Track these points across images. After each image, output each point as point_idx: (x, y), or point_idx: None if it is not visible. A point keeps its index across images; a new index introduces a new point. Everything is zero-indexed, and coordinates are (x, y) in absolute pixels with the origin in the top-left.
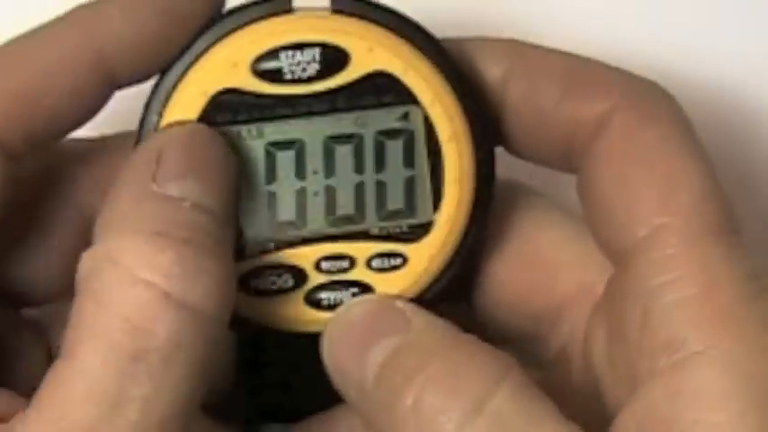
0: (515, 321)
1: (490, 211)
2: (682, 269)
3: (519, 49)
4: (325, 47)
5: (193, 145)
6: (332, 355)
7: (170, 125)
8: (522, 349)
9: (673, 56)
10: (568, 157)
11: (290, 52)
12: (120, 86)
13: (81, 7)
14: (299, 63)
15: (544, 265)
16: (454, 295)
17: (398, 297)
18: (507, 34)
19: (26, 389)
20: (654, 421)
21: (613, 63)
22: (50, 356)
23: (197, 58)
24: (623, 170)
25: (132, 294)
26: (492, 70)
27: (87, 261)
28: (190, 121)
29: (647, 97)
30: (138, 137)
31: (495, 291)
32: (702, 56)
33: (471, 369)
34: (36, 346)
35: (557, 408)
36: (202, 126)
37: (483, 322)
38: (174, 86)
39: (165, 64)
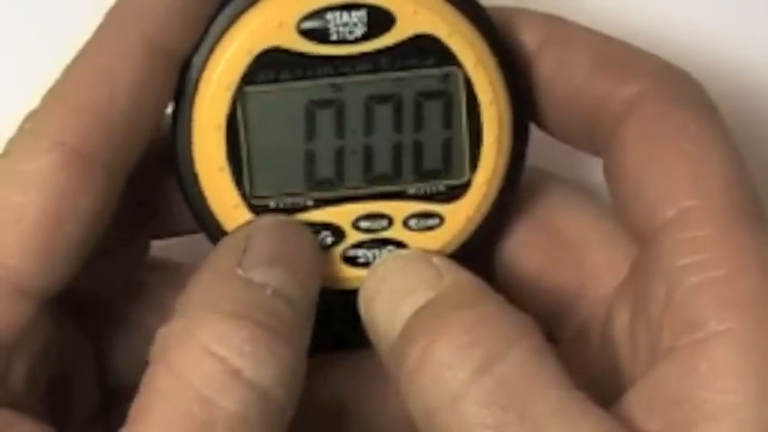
0: (536, 297)
1: (522, 175)
2: (709, 251)
3: (555, 22)
4: (371, 8)
5: (282, 236)
6: (367, 307)
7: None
8: (541, 325)
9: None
10: (594, 136)
11: (337, 13)
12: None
13: (112, 6)
14: (345, 24)
15: (569, 243)
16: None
17: (434, 252)
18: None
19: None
20: (664, 397)
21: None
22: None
23: (238, 16)
24: (653, 152)
25: (203, 366)
26: (527, 39)
27: (163, 333)
28: (278, 215)
29: (678, 82)
30: (175, 97)
31: (517, 266)
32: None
33: (488, 328)
34: (86, 345)
35: (569, 377)
36: (293, 220)
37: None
38: (215, 45)
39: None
